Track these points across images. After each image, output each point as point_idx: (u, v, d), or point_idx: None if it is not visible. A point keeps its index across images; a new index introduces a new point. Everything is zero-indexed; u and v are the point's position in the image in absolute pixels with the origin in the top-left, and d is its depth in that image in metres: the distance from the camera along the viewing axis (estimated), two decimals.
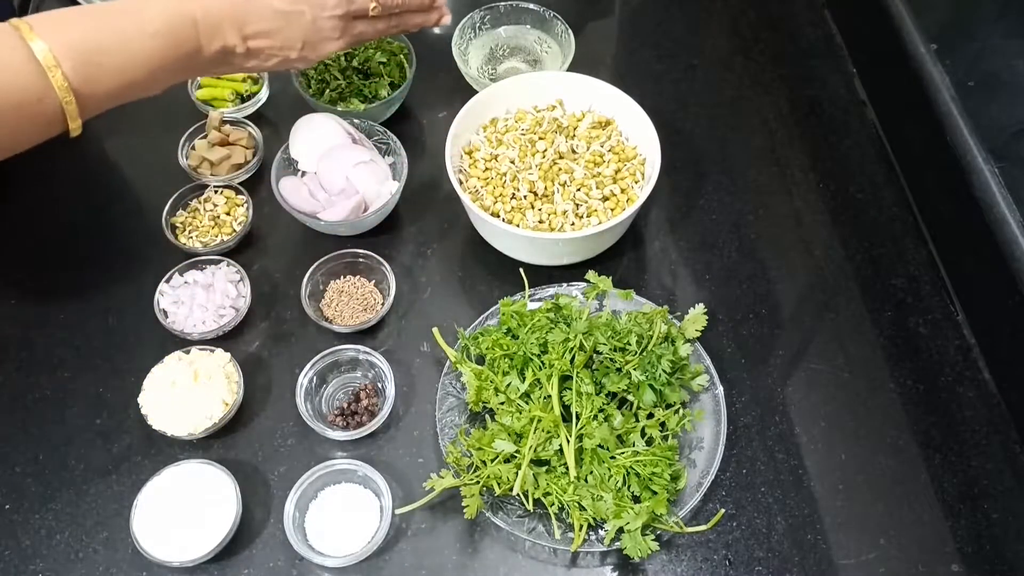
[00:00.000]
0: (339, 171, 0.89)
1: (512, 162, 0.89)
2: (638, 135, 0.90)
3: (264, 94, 1.01)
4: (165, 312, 0.85)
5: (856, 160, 0.99)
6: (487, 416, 0.79)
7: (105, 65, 0.68)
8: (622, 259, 0.91)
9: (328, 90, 0.97)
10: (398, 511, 0.74)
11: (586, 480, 0.73)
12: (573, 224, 0.85)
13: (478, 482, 0.73)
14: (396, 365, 0.82)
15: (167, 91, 1.01)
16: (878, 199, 0.96)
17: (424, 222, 0.94)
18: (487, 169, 0.89)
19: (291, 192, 0.89)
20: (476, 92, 0.91)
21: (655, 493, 0.72)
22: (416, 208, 0.95)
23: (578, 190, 0.87)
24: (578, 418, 0.74)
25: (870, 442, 0.80)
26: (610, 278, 0.82)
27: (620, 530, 0.71)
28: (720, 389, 0.79)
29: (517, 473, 0.72)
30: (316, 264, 0.86)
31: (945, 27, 0.94)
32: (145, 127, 1.00)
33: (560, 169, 0.88)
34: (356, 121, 0.94)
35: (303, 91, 0.97)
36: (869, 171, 0.98)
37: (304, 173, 0.92)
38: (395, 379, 0.80)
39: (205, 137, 0.96)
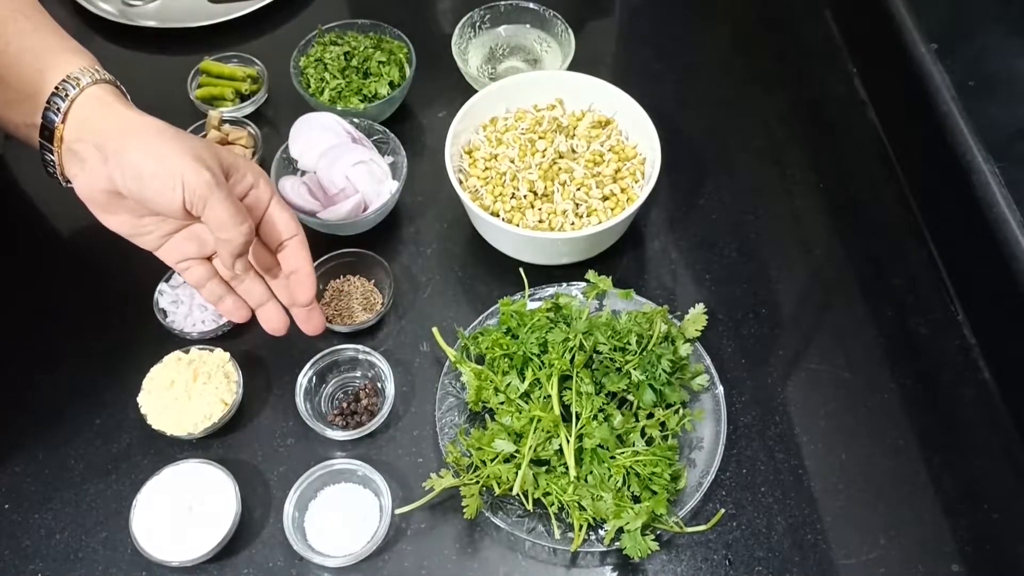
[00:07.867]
0: (339, 171, 0.88)
1: (512, 161, 0.88)
2: (638, 134, 0.90)
3: (263, 93, 1.01)
4: (164, 311, 0.85)
5: (856, 160, 0.99)
6: (487, 416, 0.79)
7: None
8: (622, 259, 0.91)
9: (328, 89, 0.97)
10: (398, 511, 0.74)
11: (586, 480, 0.73)
12: (573, 224, 0.85)
13: (478, 482, 0.73)
14: (396, 365, 0.82)
15: (166, 90, 1.02)
16: (878, 199, 0.96)
17: (424, 222, 0.94)
18: (487, 168, 0.89)
19: (291, 191, 0.88)
20: (476, 91, 0.91)
21: (655, 493, 0.72)
22: (416, 208, 0.95)
23: (578, 190, 0.87)
24: (578, 418, 0.74)
25: (870, 442, 0.80)
26: (610, 278, 0.82)
27: (620, 530, 0.71)
28: (720, 389, 0.79)
29: (517, 473, 0.71)
30: (316, 264, 0.86)
31: (945, 27, 0.93)
32: None
33: (560, 169, 0.88)
34: (356, 120, 0.93)
35: (303, 90, 0.97)
36: (869, 171, 0.98)
37: (304, 172, 0.92)
38: (395, 379, 0.80)
39: (204, 136, 0.95)
